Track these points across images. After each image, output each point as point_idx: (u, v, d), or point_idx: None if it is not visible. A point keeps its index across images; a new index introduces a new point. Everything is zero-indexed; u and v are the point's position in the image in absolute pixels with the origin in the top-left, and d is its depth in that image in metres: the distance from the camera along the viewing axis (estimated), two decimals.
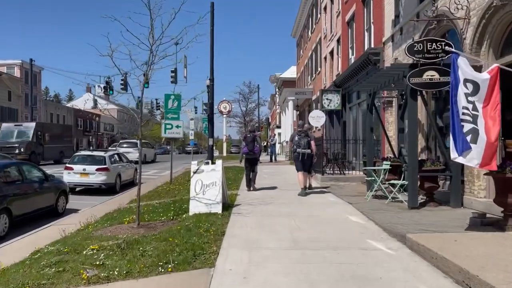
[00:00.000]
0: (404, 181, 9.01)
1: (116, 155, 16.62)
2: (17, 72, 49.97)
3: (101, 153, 15.31)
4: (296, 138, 10.77)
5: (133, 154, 28.11)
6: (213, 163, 9.24)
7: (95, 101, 46.12)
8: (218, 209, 8.33)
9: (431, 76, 7.91)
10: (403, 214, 7.63)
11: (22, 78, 49.37)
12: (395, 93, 12.11)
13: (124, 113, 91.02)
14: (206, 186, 8.59)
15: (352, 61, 17.27)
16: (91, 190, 14.94)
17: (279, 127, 41.73)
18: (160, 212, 9.02)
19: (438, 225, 6.54)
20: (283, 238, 6.15)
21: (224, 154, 41.01)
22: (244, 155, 11.99)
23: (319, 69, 27.14)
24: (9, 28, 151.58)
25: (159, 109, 53.17)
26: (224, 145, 41.23)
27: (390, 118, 12.71)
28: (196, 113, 34.57)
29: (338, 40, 20.74)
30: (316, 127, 27.41)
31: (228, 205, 9.18)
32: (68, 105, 76.90)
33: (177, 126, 15.29)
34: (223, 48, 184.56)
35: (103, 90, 35.06)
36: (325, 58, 24.77)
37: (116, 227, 7.97)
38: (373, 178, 9.86)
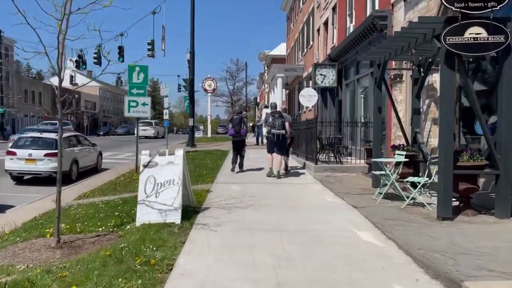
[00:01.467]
0: (426, 179, 6.79)
1: (73, 137, 14.12)
2: None
3: (52, 135, 12.80)
4: (270, 119, 10.38)
5: (149, 131, 40.76)
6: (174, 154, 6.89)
7: (71, 77, 42.87)
8: (175, 217, 6.03)
9: (476, 34, 5.60)
10: (434, 230, 5.41)
11: None
12: (407, 64, 9.79)
13: (108, 91, 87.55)
14: (160, 185, 6.25)
15: (351, 30, 14.85)
16: (40, 179, 12.51)
17: (267, 107, 39.31)
18: (101, 218, 6.70)
19: (500, 255, 4.33)
20: (263, 284, 3.85)
21: (209, 135, 38.60)
22: (231, 137, 11.64)
23: (311, 43, 24.65)
24: None
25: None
26: (209, 125, 38.75)
27: (399, 97, 10.41)
28: (179, 91, 31.73)
29: (333, 8, 18.24)
30: (306, 107, 25.08)
31: (192, 209, 6.89)
32: (46, 81, 73.10)
33: (144, 104, 12.83)
34: (209, 24, 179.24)
35: (75, 65, 32.17)
36: (318, 30, 22.26)
37: (29, 243, 5.68)
38: (383, 173, 7.62)
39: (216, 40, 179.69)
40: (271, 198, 7.96)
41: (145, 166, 6.40)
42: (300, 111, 28.38)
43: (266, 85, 55.08)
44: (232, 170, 11.61)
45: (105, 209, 7.30)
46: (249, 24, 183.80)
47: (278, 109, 11.68)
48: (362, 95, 14.38)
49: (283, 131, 10.27)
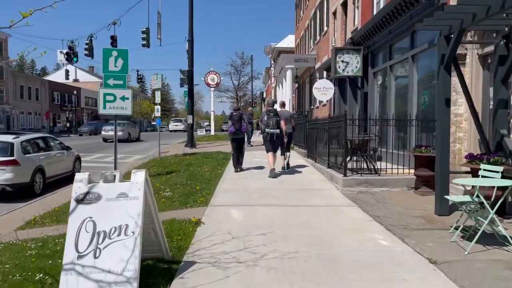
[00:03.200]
0: None
1: (40, 140, 11.46)
2: None
3: (8, 138, 10.13)
4: (265, 117, 10.24)
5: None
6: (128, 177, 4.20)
7: (66, 72, 40.30)
8: None
9: None
10: None
11: None
12: (476, 36, 7.00)
13: None
14: (104, 236, 3.57)
15: (381, 5, 12.04)
16: None
17: (275, 102, 36.58)
18: (13, 283, 4.01)
19: None
20: None
21: (212, 132, 35.91)
22: (230, 135, 11.14)
23: (325, 28, 21.81)
24: None
25: (141, 81, 47.63)
26: (212, 122, 36.06)
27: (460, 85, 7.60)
28: (182, 86, 28.63)
29: None
30: (320, 102, 22.29)
31: (167, 266, 4.19)
32: (49, 78, 70.66)
33: (123, 98, 10.16)
34: (212, 16, 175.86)
35: (65, 57, 29.56)
36: (334, 13, 19.43)
37: None
38: (466, 200, 4.87)
39: (219, 33, 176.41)
40: (291, 237, 5.22)
41: (79, 201, 3.69)
42: (312, 107, 25.59)
43: (273, 79, 52.26)
44: (236, 171, 11.01)
45: (32, 261, 4.61)
46: (255, 16, 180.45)
47: (276, 106, 11.47)
48: (396, 85, 11.58)
49: (277, 130, 10.08)
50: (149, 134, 50.17)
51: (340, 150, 9.19)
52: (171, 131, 50.92)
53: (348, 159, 8.87)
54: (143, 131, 76.71)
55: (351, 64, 13.27)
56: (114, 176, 3.80)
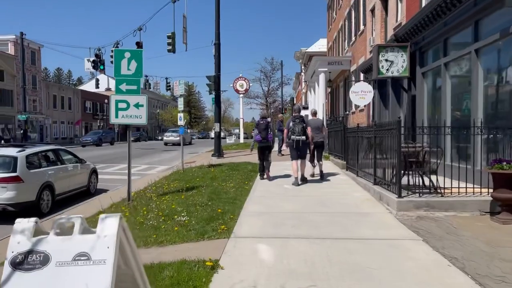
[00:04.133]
0: None
1: (49, 153, 10.43)
2: (11, 49, 44.66)
3: (11, 151, 9.10)
4: (291, 124, 10.01)
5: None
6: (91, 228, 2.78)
7: (97, 81, 40.18)
8: None
9: None
10: None
11: (17, 56, 44.03)
12: None
13: None
14: None
15: None
16: None
17: (306, 108, 34.97)
18: None
19: None
20: None
21: (241, 140, 34.70)
22: (255, 142, 11.47)
23: (361, 28, 20.15)
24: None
25: (170, 88, 47.01)
26: (241, 129, 34.87)
27: None
28: (211, 93, 27.22)
29: None
30: (357, 107, 20.59)
31: None
32: (83, 87, 71.74)
33: (137, 105, 8.95)
34: (241, 23, 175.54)
35: (92, 65, 29.14)
36: (373, 10, 17.78)
37: None
38: None
39: (249, 40, 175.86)
40: None
41: (16, 266, 2.35)
42: (347, 112, 23.88)
43: (303, 85, 50.66)
44: (261, 177, 11.16)
45: None
46: (284, 21, 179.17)
47: (304, 112, 11.73)
48: (453, 86, 9.85)
49: (303, 137, 9.87)
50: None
51: (390, 163, 7.60)
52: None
53: (402, 175, 7.25)
54: None
55: (396, 64, 11.61)
56: (73, 223, 2.44)
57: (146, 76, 42.35)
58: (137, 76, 9.06)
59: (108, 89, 78.18)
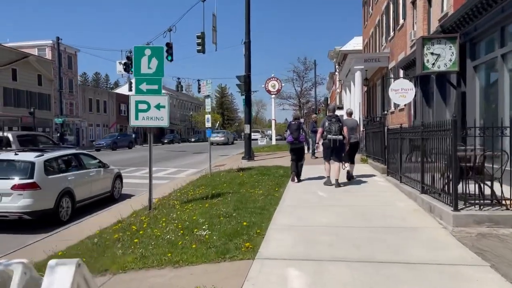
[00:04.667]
0: None
1: (70, 157, 9.97)
2: (48, 54, 45.80)
3: (30, 156, 8.65)
4: (327, 123, 9.63)
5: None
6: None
7: (130, 84, 40.44)
8: None
9: None
10: None
11: (55, 61, 45.10)
12: None
13: (173, 97, 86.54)
14: None
15: None
16: (7, 223, 8.44)
17: (340, 108, 33.73)
18: None
19: None
20: None
21: (273, 141, 33.87)
22: (289, 145, 10.97)
23: (401, 22, 18.88)
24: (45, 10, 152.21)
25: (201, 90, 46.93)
26: (273, 131, 34.05)
27: None
28: (242, 94, 26.20)
29: None
30: (396, 106, 19.30)
31: None
32: (118, 90, 73.07)
33: (158, 106, 8.31)
34: (273, 22, 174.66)
35: (124, 67, 29.15)
36: (413, 2, 16.53)
37: None
38: None
39: (281, 40, 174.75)
40: None
41: None
42: (385, 112, 22.56)
43: (338, 84, 49.25)
44: (292, 180, 10.72)
45: None
46: (317, 20, 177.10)
47: (340, 113, 11.55)
48: None
49: (340, 137, 9.58)
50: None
51: (441, 169, 6.56)
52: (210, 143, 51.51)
53: (457, 182, 6.18)
54: (206, 140, 77.08)
55: (443, 57, 10.45)
56: (9, 275, 1.67)
57: (178, 79, 42.31)
58: (158, 74, 8.43)
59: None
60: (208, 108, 13.10)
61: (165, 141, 61.47)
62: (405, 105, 17.13)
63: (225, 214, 7.14)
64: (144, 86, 8.39)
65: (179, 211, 7.88)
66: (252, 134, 55.20)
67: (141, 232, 6.42)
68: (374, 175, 11.48)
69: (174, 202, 8.98)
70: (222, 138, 45.27)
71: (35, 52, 44.90)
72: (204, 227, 6.34)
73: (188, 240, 5.72)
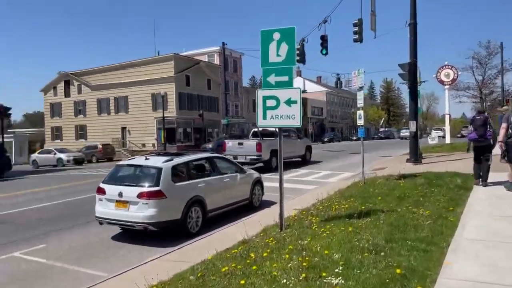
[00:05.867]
0: None
1: (202, 161, 9.13)
2: (216, 60, 49.14)
3: (157, 162, 8.01)
4: None
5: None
6: None
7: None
8: None
9: None
10: None
11: (221, 65, 48.18)
12: None
13: (334, 95, 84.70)
14: None
15: None
16: (137, 233, 7.94)
17: None
18: None
19: None
20: None
21: (447, 140, 29.11)
22: (471, 143, 9.54)
23: None
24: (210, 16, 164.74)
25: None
26: (447, 128, 29.29)
27: None
28: (406, 83, 22.25)
29: None
30: None
31: None
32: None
33: (289, 102, 6.73)
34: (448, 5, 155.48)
35: None
36: None
37: None
38: None
39: (457, 22, 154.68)
40: None
41: None
42: None
43: None
44: (476, 183, 9.33)
45: None
46: None
47: None
48: None
49: None
50: (375, 143, 45.93)
51: None
52: (401, 138, 53.86)
53: None
54: (369, 138, 72.97)
55: None
56: None
57: (338, 74, 40.50)
58: (289, 63, 6.84)
59: (304, 91, 79.87)
60: (360, 102, 10.94)
61: (325, 139, 60.22)
62: None
63: (371, 248, 5.09)
64: (272, 78, 6.90)
65: (314, 235, 6.14)
66: (433, 131, 51.89)
67: (254, 268, 4.88)
68: None
69: (311, 219, 7.29)
70: (407, 133, 43.54)
71: (205, 58, 48.70)
72: (337, 269, 4.45)
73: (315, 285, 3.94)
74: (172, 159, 8.19)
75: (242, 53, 52.71)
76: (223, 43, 41.33)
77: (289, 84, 6.82)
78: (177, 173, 8.09)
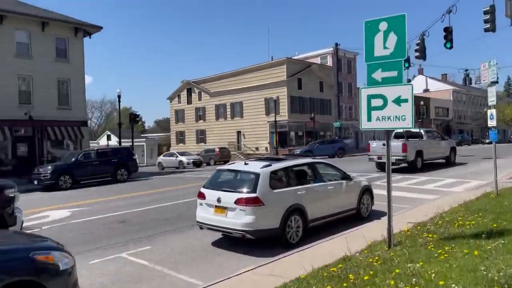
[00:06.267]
0: None
1: (304, 167, 8.57)
2: (329, 61, 48.08)
3: (256, 167, 7.67)
4: None
5: None
6: None
7: (408, 81, 37.65)
8: None
9: None
10: None
11: (334, 67, 46.99)
12: None
13: (463, 94, 76.80)
14: None
15: None
16: (237, 240, 7.70)
17: None
18: None
19: None
20: None
21: None
22: None
23: None
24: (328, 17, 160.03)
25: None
26: None
27: None
28: None
29: None
30: None
31: None
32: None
33: (398, 101, 5.87)
34: None
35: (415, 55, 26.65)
36: None
37: None
38: None
39: None
40: None
41: None
42: None
43: None
44: None
45: None
46: None
47: None
48: None
49: None
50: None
51: None
52: None
53: None
54: (505, 142, 64.31)
55: None
56: None
57: (466, 70, 36.69)
58: (398, 55, 5.96)
59: (426, 90, 73.90)
60: (491, 100, 9.29)
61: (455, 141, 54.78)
62: None
63: (503, 281, 4.02)
64: (378, 74, 6.10)
65: (428, 257, 5.18)
66: None
67: None
68: None
69: (428, 237, 6.26)
70: None
71: (318, 60, 48.02)
72: None
73: None
74: (270, 165, 7.81)
75: (357, 53, 50.76)
76: (336, 44, 40.21)
77: (398, 80, 5.94)
78: (276, 179, 7.69)
